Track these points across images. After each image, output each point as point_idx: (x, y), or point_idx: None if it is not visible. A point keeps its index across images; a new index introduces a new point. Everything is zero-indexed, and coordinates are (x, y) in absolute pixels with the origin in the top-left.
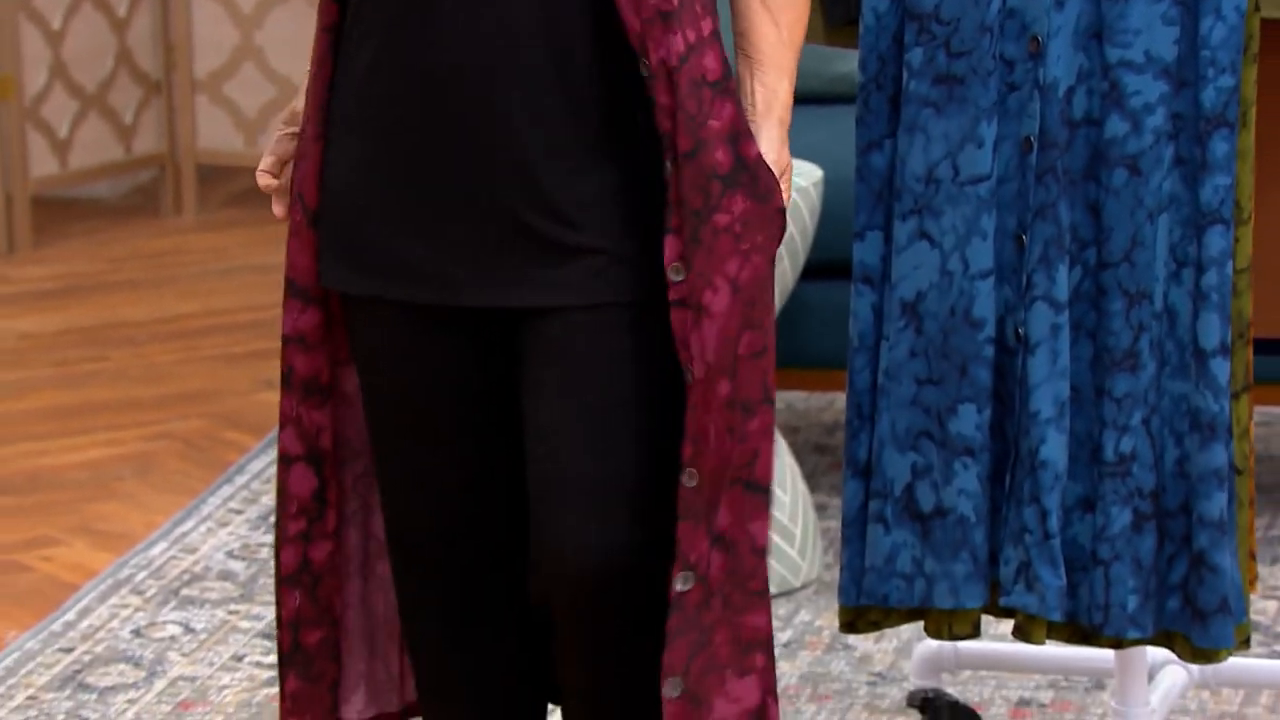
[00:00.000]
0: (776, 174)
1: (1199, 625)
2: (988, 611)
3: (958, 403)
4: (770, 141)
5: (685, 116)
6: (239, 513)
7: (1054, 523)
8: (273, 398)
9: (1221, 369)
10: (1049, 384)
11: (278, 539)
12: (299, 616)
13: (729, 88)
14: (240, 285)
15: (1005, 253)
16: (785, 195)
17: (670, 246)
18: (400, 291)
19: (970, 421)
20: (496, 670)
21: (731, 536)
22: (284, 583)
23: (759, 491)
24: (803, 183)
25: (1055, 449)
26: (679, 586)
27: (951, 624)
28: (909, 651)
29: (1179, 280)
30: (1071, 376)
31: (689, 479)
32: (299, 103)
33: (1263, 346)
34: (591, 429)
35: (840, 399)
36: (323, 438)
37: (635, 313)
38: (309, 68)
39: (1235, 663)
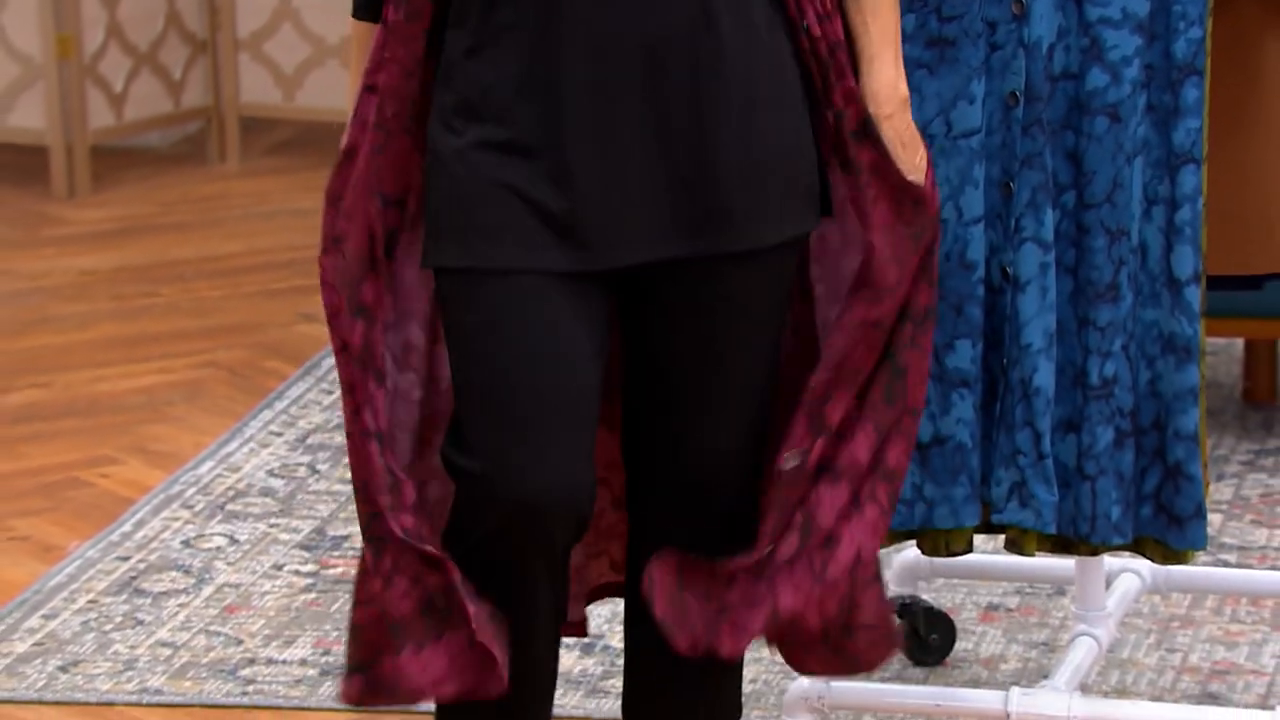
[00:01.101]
0: (898, 99)
1: (1175, 530)
2: (979, 529)
3: (954, 339)
4: (887, 68)
5: (835, 75)
6: (279, 435)
7: (1046, 444)
8: (310, 330)
9: (1194, 296)
10: (1039, 318)
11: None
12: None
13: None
14: (280, 227)
15: (992, 200)
16: (916, 154)
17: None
18: (554, 260)
19: (966, 356)
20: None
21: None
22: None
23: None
24: None
25: (1046, 377)
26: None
27: (949, 542)
28: (888, 562)
29: (1150, 217)
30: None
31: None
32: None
33: (1209, 282)
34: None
35: None
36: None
37: (781, 253)
38: (376, 70)
39: (1183, 570)
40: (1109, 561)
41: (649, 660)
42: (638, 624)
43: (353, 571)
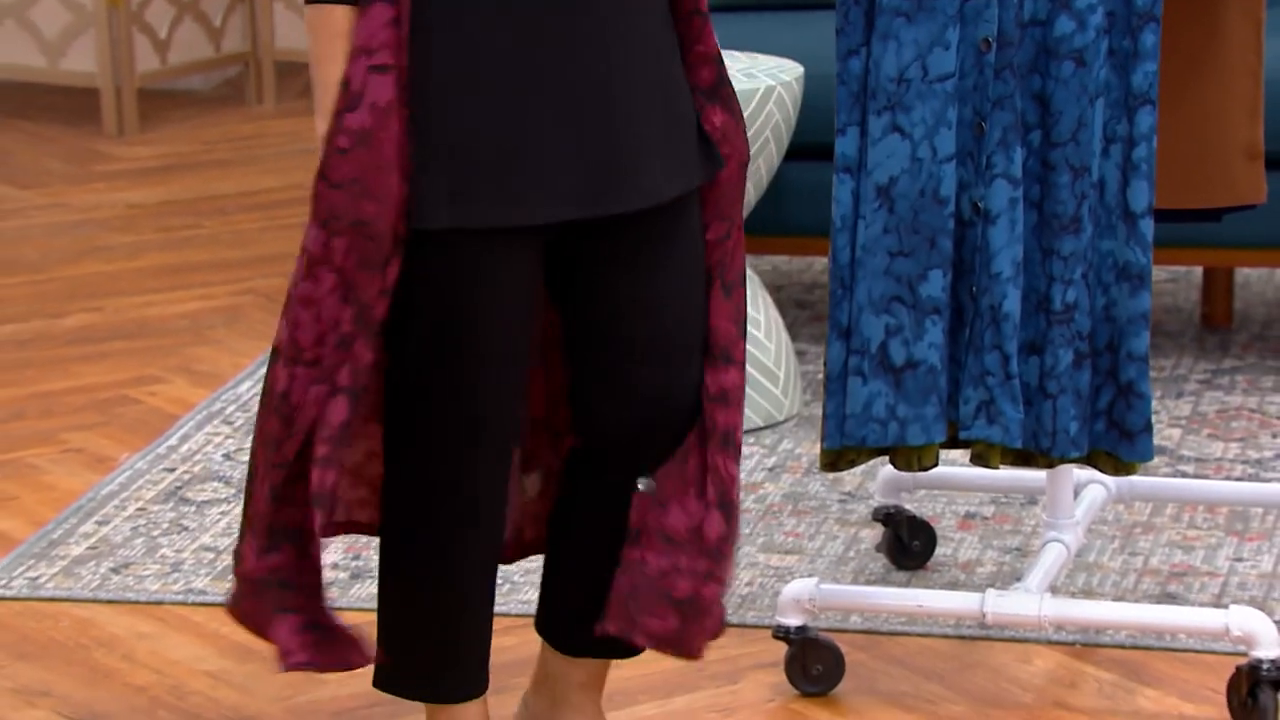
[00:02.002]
0: None
1: (1126, 443)
2: (946, 445)
3: (927, 269)
4: None
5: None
6: None
7: (1014, 365)
8: None
9: (1148, 227)
10: (1008, 249)
11: (304, 461)
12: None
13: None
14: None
15: (964, 139)
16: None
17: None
18: (551, 212)
19: (938, 285)
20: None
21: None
22: (316, 501)
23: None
24: (786, 78)
25: (1013, 303)
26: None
27: (920, 457)
28: (874, 474)
29: (1108, 155)
30: None
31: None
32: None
33: (1160, 215)
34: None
35: (817, 262)
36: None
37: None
38: (396, 48)
39: (1144, 480)
40: (1077, 473)
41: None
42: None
43: None
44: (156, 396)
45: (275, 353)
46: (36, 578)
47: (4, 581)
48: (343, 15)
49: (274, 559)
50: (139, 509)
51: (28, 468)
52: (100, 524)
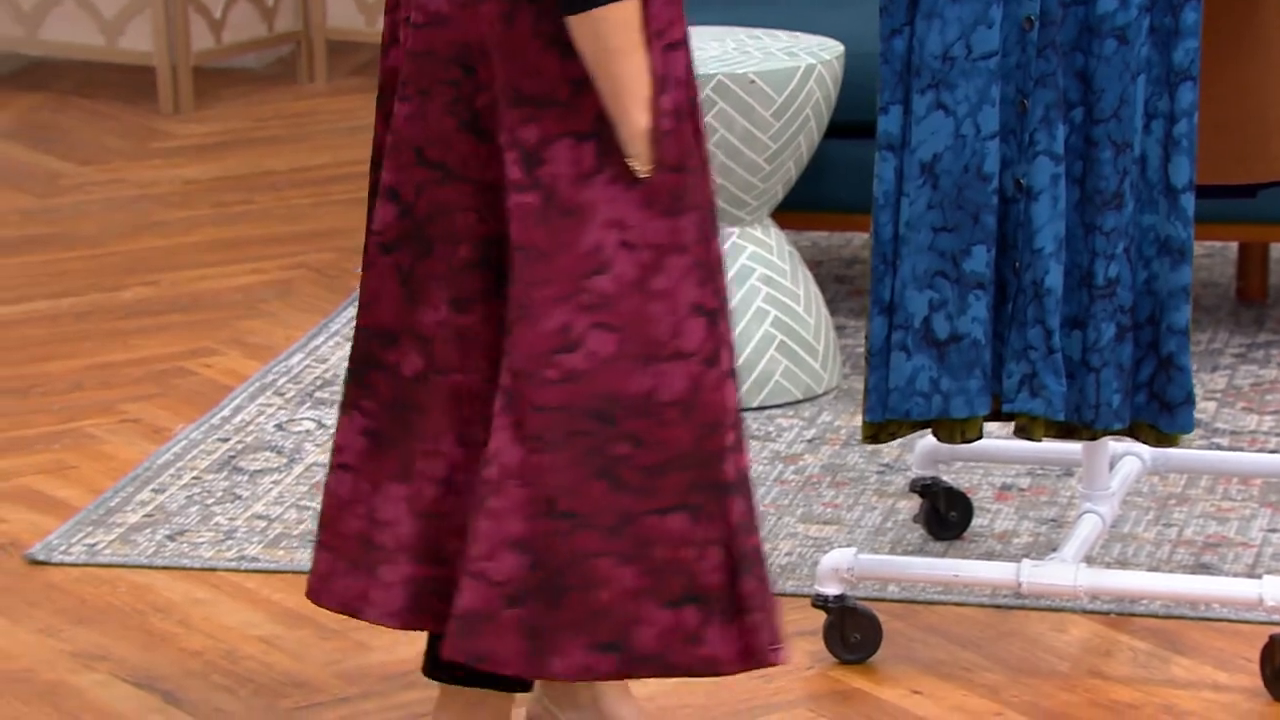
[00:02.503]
0: None
1: (1166, 415)
2: (990, 418)
3: (970, 245)
4: None
5: None
6: None
7: (1056, 340)
8: None
9: (1189, 203)
10: (1050, 225)
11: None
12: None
13: None
14: (363, 141)
15: (1007, 116)
16: None
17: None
18: None
19: (981, 260)
20: None
21: None
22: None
23: None
24: (827, 56)
25: (1056, 278)
26: None
27: (964, 430)
28: (912, 446)
29: (1149, 131)
30: None
31: None
32: None
33: (1208, 191)
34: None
35: (856, 238)
36: None
37: None
38: (678, 24)
39: (1179, 452)
40: (1113, 445)
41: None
42: None
43: None
44: (211, 368)
45: (617, 358)
46: (94, 544)
47: (63, 548)
48: (635, 5)
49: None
50: (194, 478)
51: (86, 437)
52: (156, 492)
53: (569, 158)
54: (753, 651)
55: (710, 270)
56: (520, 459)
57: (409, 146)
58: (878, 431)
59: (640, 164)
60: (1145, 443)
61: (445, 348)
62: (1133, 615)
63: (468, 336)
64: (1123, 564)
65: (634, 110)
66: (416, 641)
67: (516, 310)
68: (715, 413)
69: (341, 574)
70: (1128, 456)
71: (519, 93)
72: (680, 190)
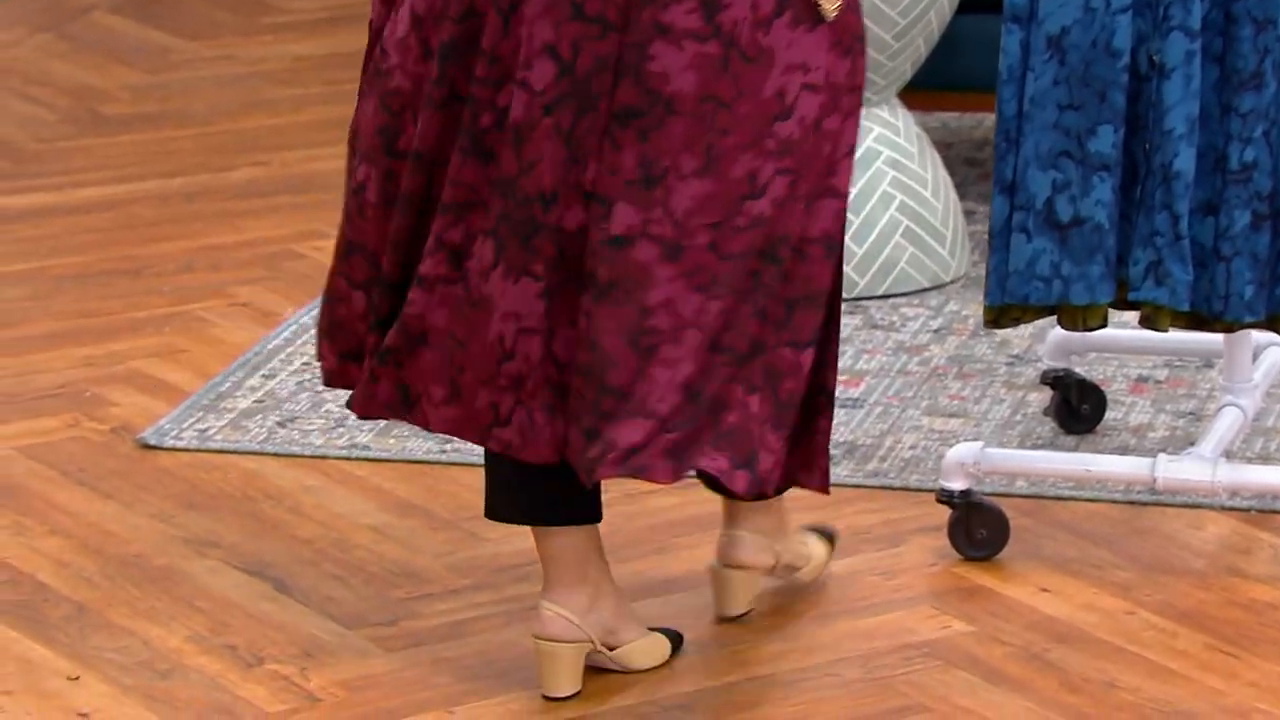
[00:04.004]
0: None
1: None
2: (1116, 305)
3: (1097, 124)
4: None
5: None
6: None
7: (1184, 226)
8: None
9: None
10: (1182, 105)
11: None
12: None
13: None
14: None
15: None
16: None
17: None
18: None
19: (1108, 141)
20: None
21: None
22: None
23: None
24: None
25: (1186, 161)
26: None
27: (1085, 318)
28: (1042, 336)
29: None
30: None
31: None
32: None
33: None
34: None
35: (987, 119)
36: None
37: None
38: None
39: None
40: (1256, 336)
41: None
42: None
43: None
44: (321, 252)
45: (790, 200)
46: (205, 430)
47: (174, 432)
48: None
49: None
50: (304, 364)
51: (196, 321)
52: (266, 378)
53: (748, 3)
54: (826, 484)
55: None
56: (698, 306)
57: (566, 1)
58: (998, 316)
59: (829, 4)
60: None
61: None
62: (1274, 512)
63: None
64: (1264, 459)
65: None
66: (528, 534)
67: (699, 162)
68: (841, 254)
69: (544, 425)
70: (1272, 348)
71: None
72: (859, 30)
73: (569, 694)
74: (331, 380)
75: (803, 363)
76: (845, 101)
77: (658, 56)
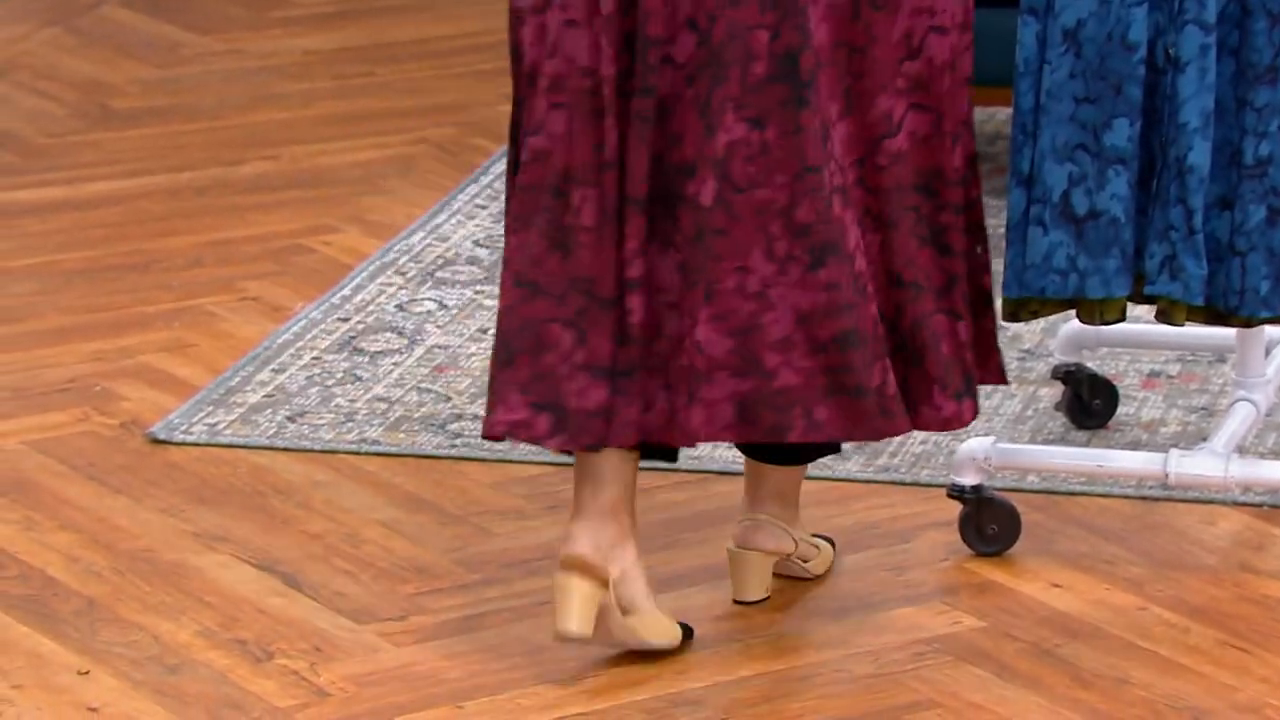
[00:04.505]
0: None
1: None
2: (1132, 299)
3: (1112, 117)
4: None
5: None
6: (483, 208)
7: (1198, 220)
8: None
9: None
10: (1197, 98)
11: None
12: None
13: None
14: (487, 12)
15: None
16: None
17: None
18: None
19: (1123, 134)
20: None
21: None
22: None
23: None
24: None
25: (1201, 155)
26: None
27: (1102, 311)
28: (1054, 331)
29: None
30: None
31: None
32: None
33: None
34: None
35: (1000, 112)
36: None
37: None
38: None
39: None
40: (1270, 331)
41: None
42: None
43: None
44: (331, 246)
45: (933, 137)
46: (215, 424)
47: (184, 427)
48: None
49: None
50: (314, 358)
51: (206, 315)
52: (276, 372)
53: None
54: (1004, 376)
55: None
56: (868, 242)
57: None
58: (1017, 309)
59: None
60: None
61: (745, 166)
62: None
63: (767, 151)
64: (1277, 455)
65: None
66: (539, 529)
67: (840, 105)
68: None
69: (681, 407)
70: None
71: None
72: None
73: (578, 633)
74: (538, 435)
75: (988, 285)
76: (968, 38)
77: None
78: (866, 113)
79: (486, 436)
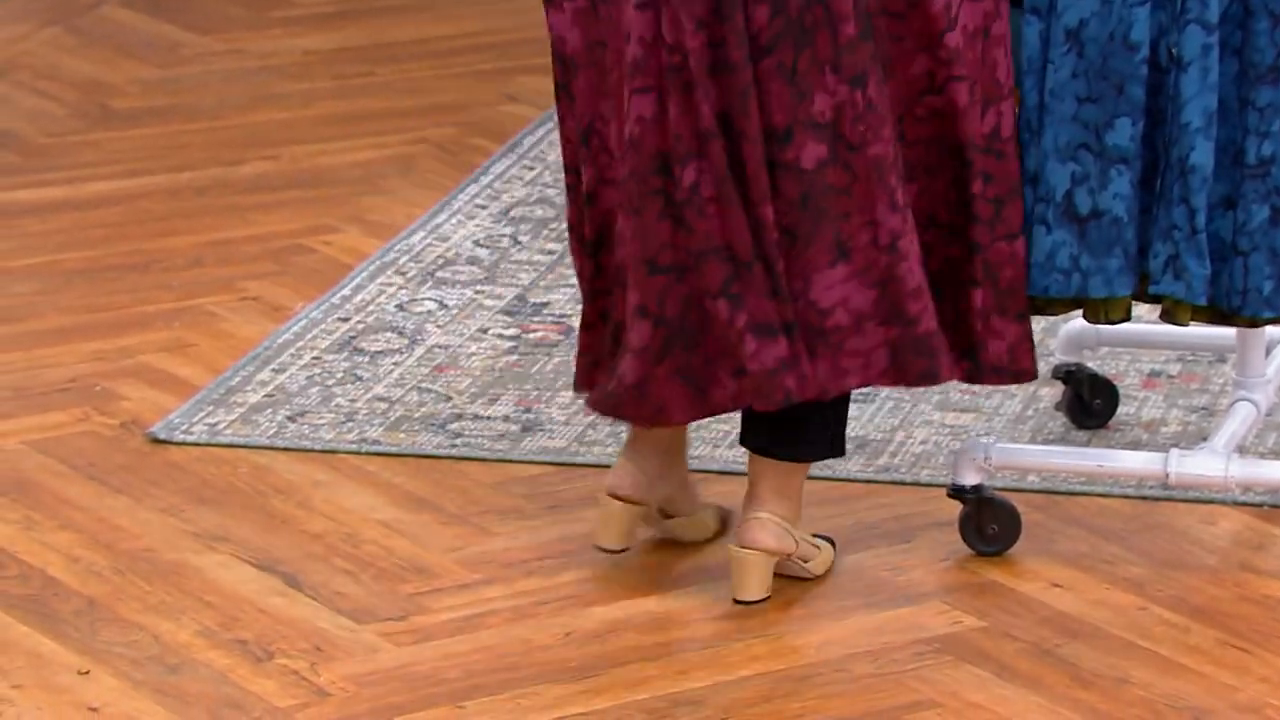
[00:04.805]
0: None
1: None
2: (1136, 299)
3: (1114, 117)
4: None
5: None
6: (484, 208)
7: (1201, 220)
8: (513, 109)
9: None
10: (1199, 98)
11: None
12: None
13: None
14: (487, 12)
15: None
16: None
17: None
18: None
19: (1125, 134)
20: None
21: None
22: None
23: None
24: None
25: (1203, 155)
26: None
27: (1108, 311)
28: (1054, 331)
29: None
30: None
31: None
32: None
33: None
34: None
35: None
36: None
37: None
38: None
39: None
40: (1270, 331)
41: None
42: None
43: (552, 335)
44: (331, 246)
45: (969, 105)
46: (215, 424)
47: (184, 427)
48: None
49: None
50: (314, 358)
51: (206, 315)
52: (276, 372)
53: None
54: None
55: None
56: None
57: None
58: None
59: None
60: None
61: (855, 126)
62: None
63: (872, 107)
64: (1277, 454)
65: None
66: (539, 529)
67: (880, 70)
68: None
69: (800, 364)
70: None
71: None
72: None
73: (619, 548)
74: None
75: (1017, 251)
76: (1005, 7)
77: None
78: (906, 71)
79: (717, 412)
